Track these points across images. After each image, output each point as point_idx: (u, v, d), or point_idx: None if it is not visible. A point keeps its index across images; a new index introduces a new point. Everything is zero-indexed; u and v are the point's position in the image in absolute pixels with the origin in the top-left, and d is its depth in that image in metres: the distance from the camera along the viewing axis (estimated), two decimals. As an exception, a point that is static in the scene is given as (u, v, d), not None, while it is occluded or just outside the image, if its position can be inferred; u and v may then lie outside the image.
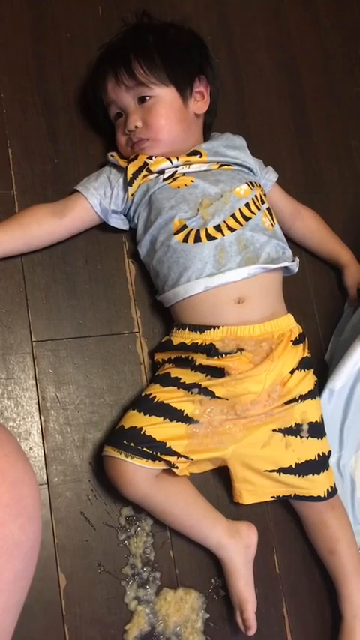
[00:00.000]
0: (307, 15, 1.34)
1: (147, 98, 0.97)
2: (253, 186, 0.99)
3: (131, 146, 0.99)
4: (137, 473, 0.85)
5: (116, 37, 1.02)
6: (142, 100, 0.97)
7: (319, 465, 0.93)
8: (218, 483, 0.98)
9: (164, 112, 0.97)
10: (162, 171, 0.97)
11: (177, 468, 0.87)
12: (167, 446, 0.86)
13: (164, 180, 0.96)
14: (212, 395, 0.90)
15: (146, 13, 1.06)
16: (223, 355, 0.90)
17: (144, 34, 1.00)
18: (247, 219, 0.94)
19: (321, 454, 0.94)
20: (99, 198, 0.97)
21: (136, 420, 0.88)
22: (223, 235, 0.92)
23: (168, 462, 0.87)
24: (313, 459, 0.93)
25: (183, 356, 0.93)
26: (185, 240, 0.92)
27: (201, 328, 0.92)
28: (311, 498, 0.93)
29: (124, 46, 0.99)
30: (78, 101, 1.08)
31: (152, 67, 0.97)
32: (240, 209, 0.95)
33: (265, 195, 1.03)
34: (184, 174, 0.97)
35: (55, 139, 1.05)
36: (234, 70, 1.23)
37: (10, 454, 0.51)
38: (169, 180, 0.96)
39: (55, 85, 1.08)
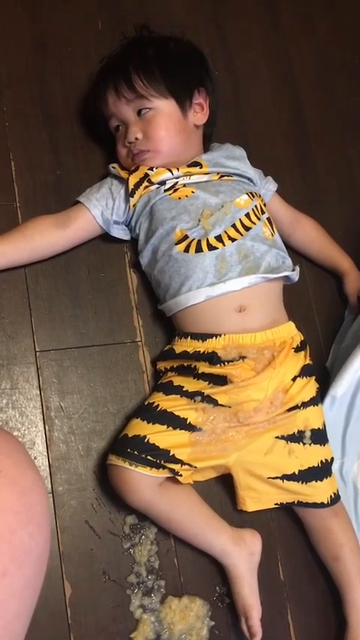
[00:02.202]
0: (304, 26, 1.35)
1: (147, 110, 0.98)
2: (253, 196, 1.00)
3: (132, 157, 1.00)
4: (141, 481, 0.86)
5: (116, 50, 1.04)
6: (142, 112, 0.99)
7: (321, 471, 0.94)
8: (222, 491, 0.98)
9: (164, 124, 0.98)
10: (163, 182, 0.98)
11: (181, 475, 0.88)
12: (171, 454, 0.87)
13: (165, 191, 0.97)
14: (215, 403, 0.90)
15: (146, 26, 1.08)
16: (225, 363, 0.90)
17: (144, 47, 1.02)
18: (247, 229, 0.95)
19: (324, 461, 0.94)
20: (101, 209, 0.98)
21: (139, 428, 0.89)
22: (224, 245, 0.93)
23: (172, 470, 0.87)
24: (315, 465, 0.93)
25: (185, 364, 0.93)
26: (186, 250, 0.93)
27: (203, 336, 0.92)
28: (314, 505, 0.94)
29: (124, 59, 1.01)
30: (79, 113, 1.09)
31: (152, 79, 0.98)
32: (240, 219, 0.96)
33: (264, 205, 1.03)
34: (184, 185, 0.98)
35: (57, 150, 1.06)
36: (233, 82, 1.24)
37: (20, 463, 0.52)
38: (170, 191, 0.97)
39: (57, 98, 1.09)
